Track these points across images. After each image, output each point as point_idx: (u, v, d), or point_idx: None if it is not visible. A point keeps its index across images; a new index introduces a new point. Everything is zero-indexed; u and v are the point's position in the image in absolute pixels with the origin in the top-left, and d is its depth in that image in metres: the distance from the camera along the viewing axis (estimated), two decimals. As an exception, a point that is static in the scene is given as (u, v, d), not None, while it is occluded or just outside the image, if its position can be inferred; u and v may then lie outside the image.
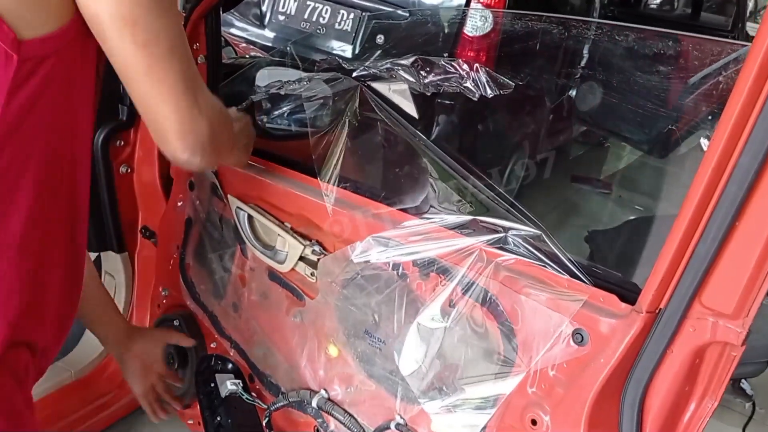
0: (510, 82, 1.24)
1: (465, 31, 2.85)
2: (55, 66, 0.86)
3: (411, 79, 1.33)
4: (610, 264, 1.32)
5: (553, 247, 1.07)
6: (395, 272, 1.21)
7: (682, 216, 0.85)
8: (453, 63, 1.28)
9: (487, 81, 1.24)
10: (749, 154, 0.79)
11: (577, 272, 1.03)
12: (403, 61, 1.34)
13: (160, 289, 1.76)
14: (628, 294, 0.97)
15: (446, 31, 2.88)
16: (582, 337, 0.99)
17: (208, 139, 0.98)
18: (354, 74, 1.43)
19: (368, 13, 3.06)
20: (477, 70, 1.25)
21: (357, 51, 3.09)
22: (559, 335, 1.01)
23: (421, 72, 1.32)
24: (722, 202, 0.81)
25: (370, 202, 1.28)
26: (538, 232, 1.08)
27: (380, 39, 3.01)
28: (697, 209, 0.84)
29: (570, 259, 1.04)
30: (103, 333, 1.54)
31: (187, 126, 0.95)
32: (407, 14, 3.05)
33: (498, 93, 1.25)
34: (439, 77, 1.30)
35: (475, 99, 1.24)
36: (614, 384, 0.96)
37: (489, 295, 1.09)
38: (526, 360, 1.06)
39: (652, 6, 4.78)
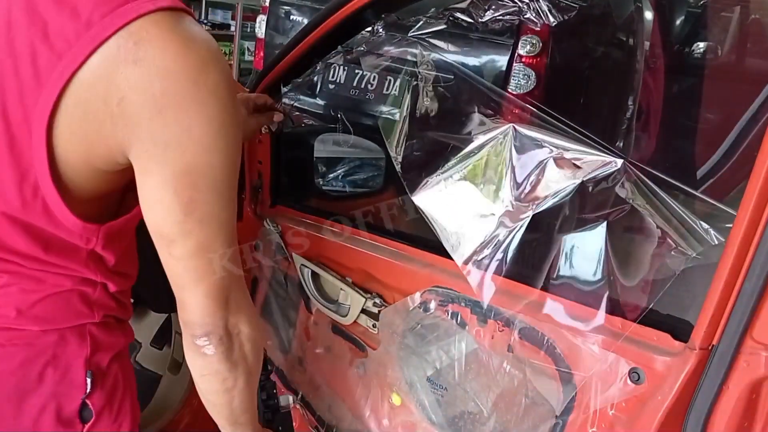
0: (573, 4, 1.21)
1: (509, 90, 2.94)
2: None
3: (468, 19, 1.31)
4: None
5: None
6: (454, 320, 1.27)
7: (726, 255, 0.89)
8: None
9: (549, 8, 1.22)
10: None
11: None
12: (459, 5, 1.32)
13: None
14: (681, 332, 1.00)
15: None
16: (639, 376, 1.02)
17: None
18: (411, 32, 1.43)
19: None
20: (536, 0, 1.22)
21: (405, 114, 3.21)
22: (616, 375, 1.04)
23: (479, 11, 1.28)
24: (764, 242, 0.85)
25: (426, 254, 1.34)
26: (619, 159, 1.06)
27: (428, 101, 3.13)
28: (740, 249, 0.88)
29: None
30: None
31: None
32: (452, 76, 3.17)
33: (561, 19, 1.21)
34: (498, 13, 1.27)
35: (538, 28, 1.18)
36: (673, 421, 0.98)
37: (546, 338, 1.13)
38: (585, 400, 1.09)
39: (696, 55, 4.80)
